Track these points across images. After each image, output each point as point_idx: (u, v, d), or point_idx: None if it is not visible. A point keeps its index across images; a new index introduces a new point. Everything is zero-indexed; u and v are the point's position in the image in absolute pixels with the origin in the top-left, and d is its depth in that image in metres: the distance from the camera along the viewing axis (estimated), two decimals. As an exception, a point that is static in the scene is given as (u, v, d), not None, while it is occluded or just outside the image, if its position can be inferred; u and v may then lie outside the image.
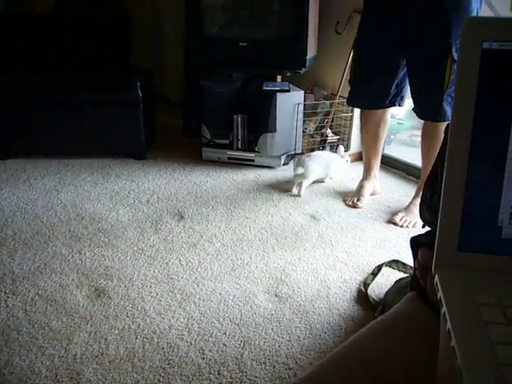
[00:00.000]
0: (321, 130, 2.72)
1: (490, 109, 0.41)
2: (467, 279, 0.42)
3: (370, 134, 2.20)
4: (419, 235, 0.95)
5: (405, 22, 1.86)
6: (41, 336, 1.33)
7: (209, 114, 2.69)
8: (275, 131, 2.56)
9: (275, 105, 2.51)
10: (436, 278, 0.42)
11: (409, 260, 1.68)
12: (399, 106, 2.12)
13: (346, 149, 2.74)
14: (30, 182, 2.39)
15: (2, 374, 1.19)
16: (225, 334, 1.36)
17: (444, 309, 0.39)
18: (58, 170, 2.55)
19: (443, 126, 1.92)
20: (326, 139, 2.69)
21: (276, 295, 1.55)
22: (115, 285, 1.57)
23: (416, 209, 2.05)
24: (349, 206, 2.20)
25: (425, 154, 2.05)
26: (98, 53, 3.11)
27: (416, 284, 0.89)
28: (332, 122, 2.71)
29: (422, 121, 2.04)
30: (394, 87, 2.04)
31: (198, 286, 1.58)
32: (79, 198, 2.22)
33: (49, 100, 2.62)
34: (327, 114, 2.69)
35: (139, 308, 1.46)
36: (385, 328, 0.75)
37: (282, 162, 2.63)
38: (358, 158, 2.73)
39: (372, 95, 2.08)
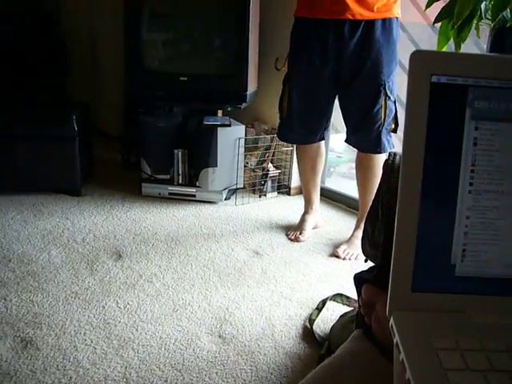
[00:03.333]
0: (262, 164, 2.73)
1: (441, 143, 0.40)
2: (423, 321, 0.40)
3: (308, 167, 2.23)
4: (362, 271, 0.94)
5: (339, 61, 1.92)
6: (-44, 397, 1.19)
7: (149, 148, 2.63)
8: (216, 166, 2.54)
9: (216, 139, 2.50)
10: (391, 320, 0.40)
11: (352, 293, 1.69)
12: (324, 138, 2.18)
13: (288, 183, 2.77)
14: (-49, 222, 2.20)
15: None
16: (166, 381, 1.28)
17: (402, 355, 0.37)
18: (-16, 208, 2.37)
19: (378, 157, 1.99)
20: (268, 173, 2.70)
21: (220, 336, 1.48)
22: (44, 334, 1.44)
23: (358, 241, 2.08)
24: (291, 240, 2.19)
25: (361, 186, 2.11)
26: (32, 84, 2.99)
27: (362, 321, 0.88)
28: (273, 156, 2.73)
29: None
30: (325, 122, 2.11)
31: (136, 330, 1.49)
32: (6, 238, 2.06)
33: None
34: (268, 148, 2.72)
35: (71, 359, 1.34)
36: (335, 370, 0.73)
37: (224, 197, 2.61)
38: (300, 191, 2.76)
39: (306, 131, 2.11)
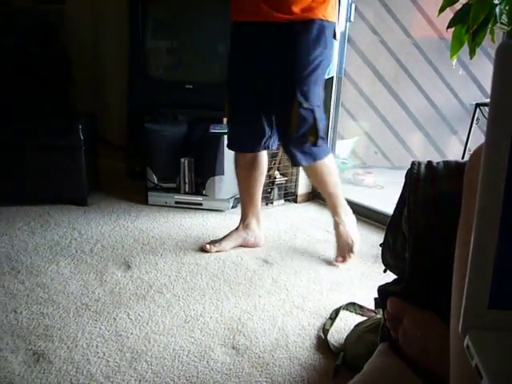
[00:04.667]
0: (268, 171, 2.71)
1: None
2: (504, 342, 0.37)
3: (241, 177, 2.12)
4: (387, 284, 0.93)
5: (255, 64, 1.84)
6: (-31, 413, 1.17)
7: (154, 157, 2.63)
8: (223, 174, 2.53)
9: (222, 148, 2.48)
10: (466, 340, 0.38)
11: (365, 302, 1.67)
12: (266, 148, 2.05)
13: (294, 190, 2.75)
14: (-42, 233, 2.19)
15: None
16: (181, 395, 1.26)
17: (485, 382, 0.34)
18: (-10, 219, 2.36)
19: (315, 165, 1.90)
20: (274, 181, 2.69)
21: (233, 347, 1.47)
22: (56, 346, 1.42)
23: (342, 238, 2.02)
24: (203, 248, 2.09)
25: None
26: (37, 94, 2.98)
27: (387, 335, 0.87)
28: (279, 163, 2.72)
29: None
30: (259, 131, 1.96)
31: (149, 342, 1.47)
32: (14, 249, 2.05)
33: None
34: (274, 155, 2.71)
35: (84, 372, 1.32)
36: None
37: (231, 205, 2.59)
38: (307, 198, 2.75)
39: (240, 139, 2.01)
